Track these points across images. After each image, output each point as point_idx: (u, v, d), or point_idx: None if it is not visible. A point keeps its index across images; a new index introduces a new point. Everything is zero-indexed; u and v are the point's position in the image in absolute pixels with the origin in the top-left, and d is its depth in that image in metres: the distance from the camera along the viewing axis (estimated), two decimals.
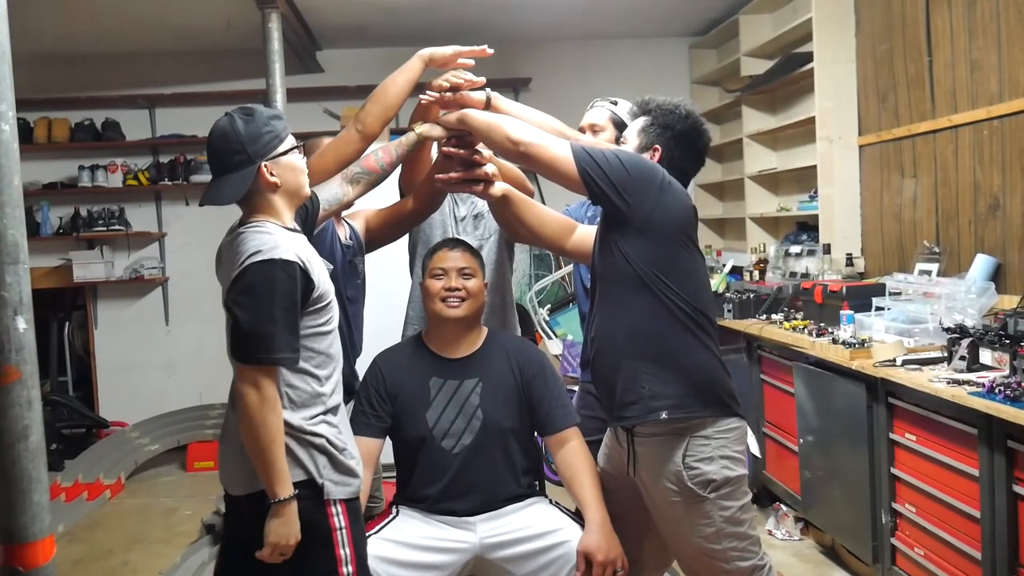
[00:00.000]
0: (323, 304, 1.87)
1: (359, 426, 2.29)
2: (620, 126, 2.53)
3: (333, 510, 1.84)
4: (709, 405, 1.95)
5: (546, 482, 2.51)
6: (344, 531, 1.84)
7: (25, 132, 5.41)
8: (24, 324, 1.36)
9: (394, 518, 2.27)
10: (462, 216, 2.74)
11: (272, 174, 1.85)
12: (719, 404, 1.97)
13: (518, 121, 2.05)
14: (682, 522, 1.96)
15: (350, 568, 1.84)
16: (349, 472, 1.88)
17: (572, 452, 2.26)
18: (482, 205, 2.76)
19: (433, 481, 2.27)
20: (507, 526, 2.22)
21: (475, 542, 2.21)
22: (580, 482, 2.21)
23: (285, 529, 1.75)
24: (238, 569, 1.94)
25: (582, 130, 2.63)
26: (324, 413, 1.85)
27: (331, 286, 1.92)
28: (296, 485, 1.78)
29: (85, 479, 4.64)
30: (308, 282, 1.80)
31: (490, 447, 2.27)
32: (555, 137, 2.00)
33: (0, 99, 1.35)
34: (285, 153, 1.87)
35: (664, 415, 1.93)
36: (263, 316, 1.72)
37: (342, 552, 1.83)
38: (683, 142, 2.09)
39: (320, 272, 1.87)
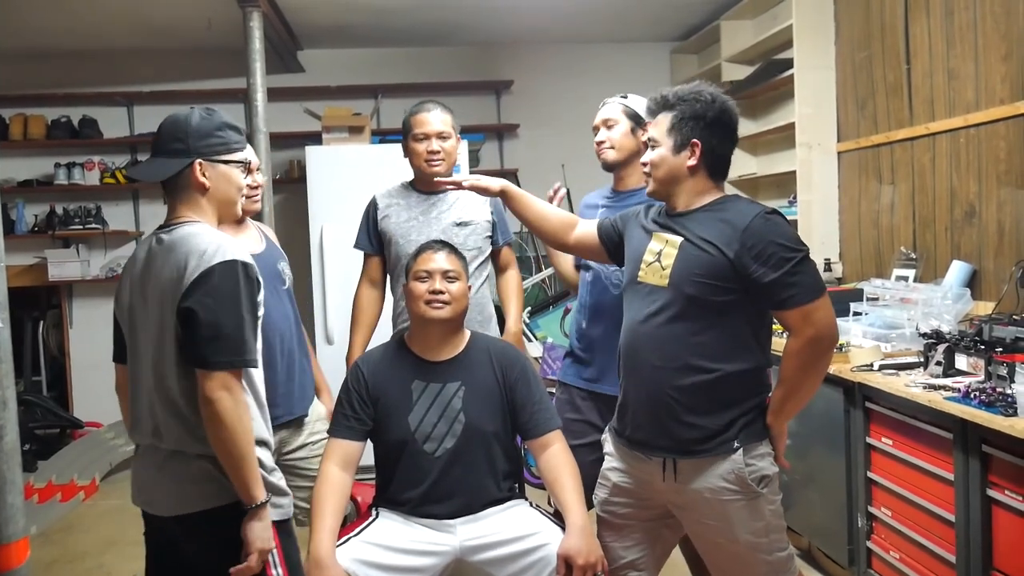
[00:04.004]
0: (260, 314, 1.85)
1: (340, 429, 2.28)
2: (633, 117, 2.53)
3: None
4: (764, 414, 2.02)
5: (526, 486, 2.51)
6: (275, 552, 1.82)
7: (0, 129, 5.35)
8: (0, 323, 1.34)
9: (374, 521, 2.25)
10: (451, 222, 2.74)
11: (204, 175, 1.82)
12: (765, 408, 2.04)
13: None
14: (733, 520, 1.97)
15: None
16: (280, 492, 1.87)
17: (554, 456, 2.26)
18: (468, 214, 2.77)
19: (414, 484, 2.25)
20: (488, 529, 2.22)
21: (456, 545, 2.20)
22: (562, 485, 2.21)
23: (268, 533, 1.75)
24: None
25: (595, 128, 2.61)
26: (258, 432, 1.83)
27: None
28: (227, 508, 1.76)
29: (59, 480, 4.59)
30: (258, 282, 1.81)
31: (472, 451, 2.26)
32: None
33: None
34: (226, 163, 1.86)
35: (736, 443, 1.97)
36: (234, 319, 1.71)
37: (275, 572, 1.82)
38: (718, 128, 2.00)
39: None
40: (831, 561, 3.16)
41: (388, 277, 2.88)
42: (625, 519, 2.16)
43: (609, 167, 2.62)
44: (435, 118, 2.70)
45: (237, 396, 1.70)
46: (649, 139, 2.08)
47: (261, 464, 1.80)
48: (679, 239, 2.00)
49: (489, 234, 2.82)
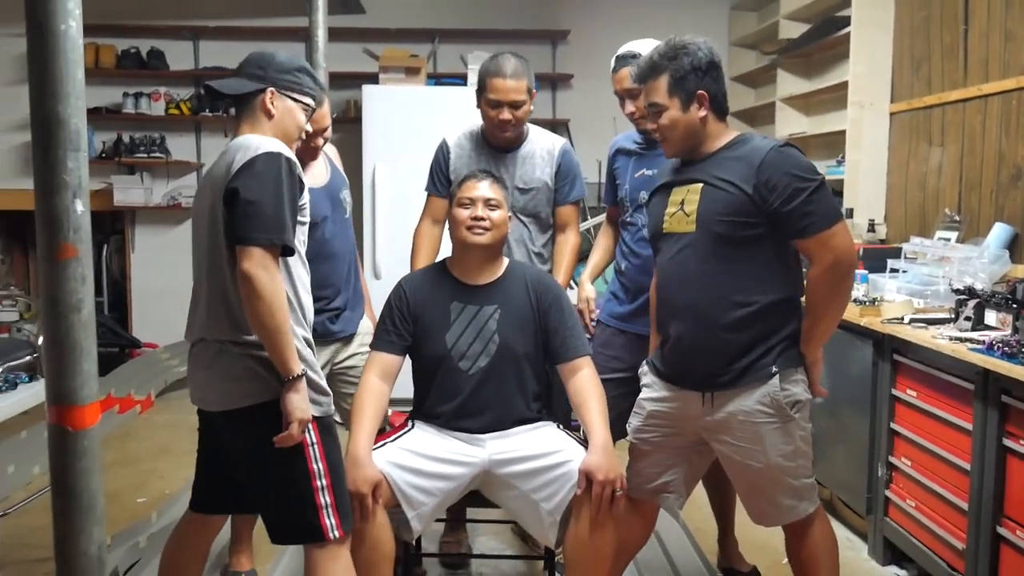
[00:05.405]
0: (304, 220, 2.00)
1: (381, 342, 2.42)
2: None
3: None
4: (798, 341, 2.11)
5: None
6: (316, 447, 1.95)
7: None
8: (81, 207, 1.48)
9: (410, 430, 2.39)
10: (514, 187, 2.74)
11: (272, 103, 2.01)
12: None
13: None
14: (765, 441, 2.08)
15: (324, 481, 1.96)
16: (320, 391, 2.00)
17: (583, 379, 2.37)
18: (531, 179, 2.75)
19: (448, 399, 2.38)
20: (515, 445, 2.33)
21: (484, 457, 2.33)
22: (588, 407, 2.32)
23: (306, 404, 1.88)
24: (221, 479, 2.10)
25: (618, 94, 2.67)
26: (298, 327, 1.95)
27: (314, 209, 2.11)
28: (272, 404, 1.88)
29: (117, 394, 4.84)
30: (301, 184, 1.95)
31: (504, 370, 2.38)
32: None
33: None
34: (294, 100, 2.04)
35: (774, 368, 2.07)
36: (274, 199, 1.84)
37: (315, 467, 1.95)
38: (714, 72, 2.09)
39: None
40: (851, 511, 3.24)
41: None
42: (657, 445, 2.27)
43: (646, 132, 2.69)
44: (511, 86, 2.63)
45: (273, 273, 1.83)
46: (651, 105, 2.13)
47: (304, 359, 1.94)
48: (699, 185, 2.09)
49: (551, 195, 2.82)
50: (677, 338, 2.17)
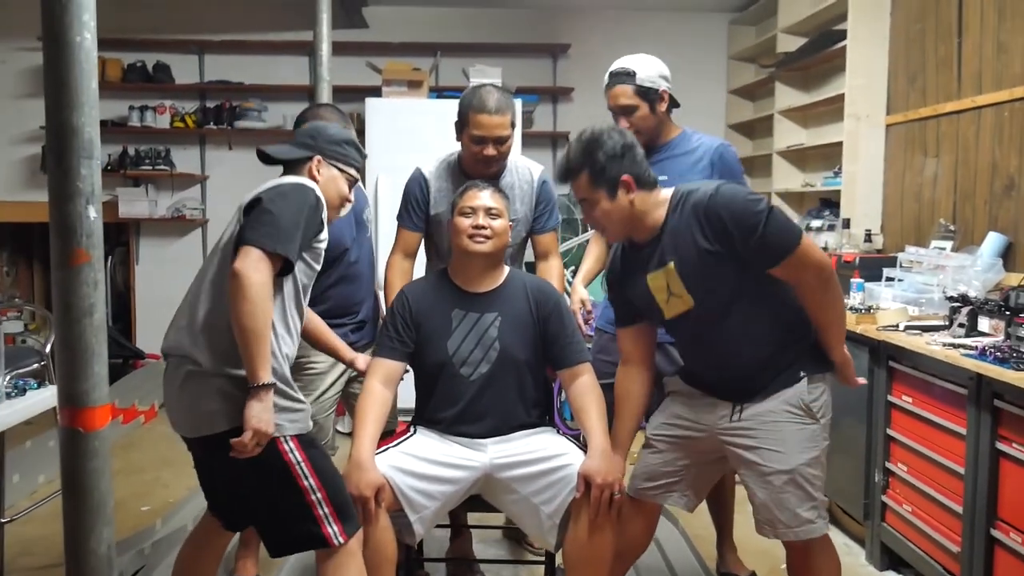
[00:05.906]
0: (314, 260, 2.06)
1: (384, 349, 2.45)
2: (646, 94, 2.61)
3: (286, 447, 1.95)
4: (819, 346, 2.15)
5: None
6: (303, 464, 1.97)
7: None
8: (94, 213, 1.52)
9: (412, 435, 2.43)
10: None
11: (319, 170, 2.13)
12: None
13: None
14: (789, 441, 2.09)
15: (319, 495, 1.98)
16: (295, 409, 2.00)
17: (583, 385, 2.41)
18: (514, 210, 2.68)
19: (450, 405, 2.42)
20: (516, 449, 2.37)
21: (485, 462, 2.36)
22: (588, 413, 2.36)
23: (267, 415, 1.87)
24: (220, 495, 2.14)
25: (612, 109, 2.66)
26: (273, 355, 1.93)
27: (341, 238, 2.19)
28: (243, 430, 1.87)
29: (121, 404, 4.87)
30: (321, 224, 2.02)
31: (505, 377, 2.42)
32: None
33: (83, 9, 1.50)
34: (339, 170, 2.19)
35: (802, 373, 2.11)
36: (291, 217, 1.90)
37: (306, 483, 1.97)
38: (629, 153, 2.11)
39: (327, 235, 2.09)
40: (849, 517, 3.27)
41: (430, 253, 2.83)
42: (673, 444, 2.29)
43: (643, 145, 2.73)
44: (496, 121, 2.53)
45: (265, 278, 1.84)
46: (581, 201, 2.17)
47: (283, 377, 1.96)
48: (669, 264, 2.12)
49: (530, 226, 2.80)
50: (712, 381, 2.23)
